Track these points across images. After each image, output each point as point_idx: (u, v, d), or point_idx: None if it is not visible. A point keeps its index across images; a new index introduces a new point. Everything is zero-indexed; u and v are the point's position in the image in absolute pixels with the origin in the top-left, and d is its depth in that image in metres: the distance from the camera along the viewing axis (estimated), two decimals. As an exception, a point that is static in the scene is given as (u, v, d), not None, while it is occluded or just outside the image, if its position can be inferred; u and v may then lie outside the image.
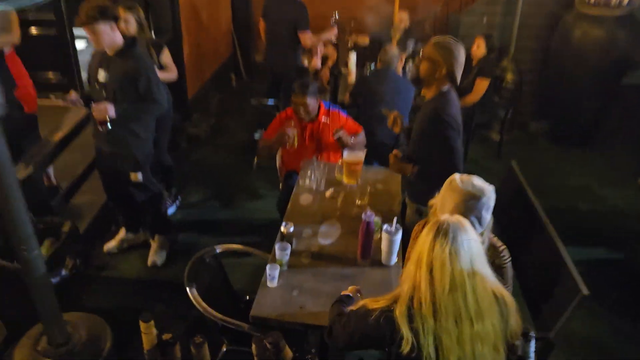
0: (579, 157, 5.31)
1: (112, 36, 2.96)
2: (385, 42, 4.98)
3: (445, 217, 1.54)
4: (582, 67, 5.11)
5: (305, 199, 3.06)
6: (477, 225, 1.87)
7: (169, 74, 3.87)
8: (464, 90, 4.91)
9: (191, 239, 3.90)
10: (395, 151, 2.84)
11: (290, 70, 4.81)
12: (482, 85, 4.83)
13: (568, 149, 5.45)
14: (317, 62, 5.34)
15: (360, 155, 3.13)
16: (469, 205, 1.86)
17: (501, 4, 5.51)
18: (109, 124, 3.01)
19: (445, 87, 2.63)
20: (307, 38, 4.64)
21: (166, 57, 3.85)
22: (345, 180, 3.18)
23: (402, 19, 5.28)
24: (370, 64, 4.94)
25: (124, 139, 3.21)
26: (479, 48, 4.88)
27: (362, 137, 3.67)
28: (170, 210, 4.18)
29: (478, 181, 1.93)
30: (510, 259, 2.07)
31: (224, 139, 5.54)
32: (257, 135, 5.16)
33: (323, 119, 3.57)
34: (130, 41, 3.08)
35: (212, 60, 6.18)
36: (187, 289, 2.33)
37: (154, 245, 3.67)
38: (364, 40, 5.41)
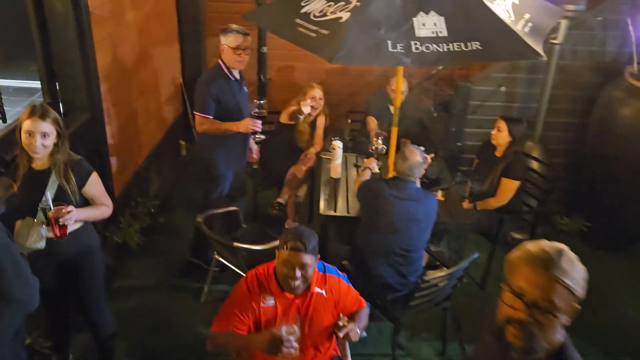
0: (628, 269, 4.15)
1: None
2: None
3: None
4: (632, 153, 3.97)
5: None
6: None
7: (99, 211, 2.53)
8: (489, 191, 3.73)
9: None
10: None
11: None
12: (510, 187, 3.66)
13: (611, 254, 4.28)
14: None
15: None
16: None
17: (524, 70, 4.33)
18: None
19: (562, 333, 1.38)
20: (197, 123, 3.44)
21: (94, 186, 2.52)
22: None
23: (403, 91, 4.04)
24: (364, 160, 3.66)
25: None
26: (500, 133, 3.71)
27: (365, 317, 2.38)
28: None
29: None
30: None
31: (164, 244, 4.15)
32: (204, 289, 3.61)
33: (316, 289, 2.25)
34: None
35: (152, 131, 4.79)
36: None
37: None
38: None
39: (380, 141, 3.61)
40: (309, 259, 2.10)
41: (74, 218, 2.30)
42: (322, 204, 3.46)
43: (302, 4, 2.95)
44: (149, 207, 4.39)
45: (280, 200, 4.17)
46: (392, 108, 4.16)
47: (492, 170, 3.72)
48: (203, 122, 3.39)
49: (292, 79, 5.67)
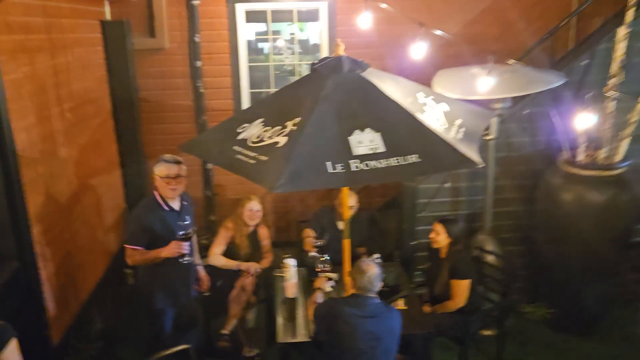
0: (600, 354, 4.06)
1: None
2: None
3: None
4: (578, 237, 4.02)
5: None
6: None
7: None
8: (442, 295, 3.64)
9: None
10: None
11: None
12: (462, 288, 3.58)
13: (580, 339, 4.21)
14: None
15: None
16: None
17: (465, 165, 4.44)
18: None
19: None
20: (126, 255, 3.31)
21: (11, 355, 2.19)
22: None
23: (351, 205, 4.01)
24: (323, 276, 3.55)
25: None
26: (439, 235, 3.69)
27: None
28: None
29: None
30: None
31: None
32: None
33: None
34: None
35: (95, 264, 4.52)
36: None
37: None
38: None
39: (318, 254, 3.57)
40: None
41: None
42: (279, 330, 3.25)
43: (239, 130, 2.93)
44: (92, 351, 4.03)
45: (224, 331, 3.91)
46: (340, 224, 4.14)
47: (440, 273, 3.66)
48: (131, 253, 3.27)
49: (239, 191, 5.61)
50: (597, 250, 4.01)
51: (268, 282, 4.09)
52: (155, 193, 3.30)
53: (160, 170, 3.22)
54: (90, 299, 4.28)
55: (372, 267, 2.89)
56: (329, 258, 3.53)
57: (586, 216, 3.96)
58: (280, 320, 3.35)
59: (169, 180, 3.21)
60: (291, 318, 3.37)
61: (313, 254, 3.68)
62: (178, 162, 3.25)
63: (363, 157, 2.54)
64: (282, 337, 3.18)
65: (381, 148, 2.58)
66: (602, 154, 3.99)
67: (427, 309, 3.66)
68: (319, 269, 3.57)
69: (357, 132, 2.63)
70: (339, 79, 2.85)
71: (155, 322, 3.40)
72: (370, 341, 2.79)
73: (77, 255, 4.11)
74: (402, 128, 2.68)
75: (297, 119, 2.71)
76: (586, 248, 4.01)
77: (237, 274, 4.02)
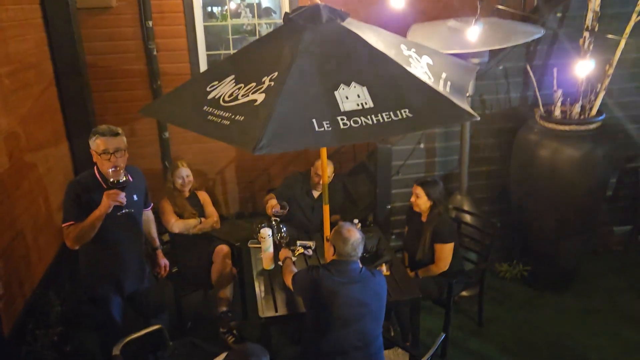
0: (577, 308, 4.10)
1: None
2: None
3: None
4: (554, 193, 3.99)
5: None
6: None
7: None
8: (424, 259, 3.54)
9: None
10: None
11: None
12: (445, 251, 3.49)
13: (557, 295, 4.23)
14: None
15: None
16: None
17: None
18: None
19: None
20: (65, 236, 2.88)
21: None
22: None
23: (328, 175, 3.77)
24: (298, 247, 3.37)
25: None
26: (419, 198, 3.56)
27: None
28: None
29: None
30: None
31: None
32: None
33: None
34: None
35: (46, 245, 4.15)
36: None
37: None
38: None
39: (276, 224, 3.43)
40: None
41: None
42: (259, 304, 3.04)
43: (208, 89, 2.65)
44: (51, 336, 3.70)
45: (224, 309, 3.69)
46: (315, 193, 3.94)
47: (422, 237, 3.55)
48: (68, 231, 2.81)
49: (200, 160, 5.29)
50: (572, 205, 3.99)
51: (238, 253, 3.87)
52: (95, 169, 2.87)
53: (96, 145, 2.75)
54: (44, 281, 3.93)
55: (355, 233, 2.70)
56: (284, 229, 3.42)
57: (562, 171, 3.91)
58: (259, 293, 3.14)
59: (109, 155, 2.75)
60: (270, 290, 3.17)
61: (274, 219, 3.48)
62: (116, 134, 2.78)
63: (351, 113, 2.33)
64: (264, 311, 2.97)
65: (370, 103, 2.38)
66: (577, 108, 3.94)
67: (410, 273, 3.55)
68: (278, 241, 3.41)
69: (342, 86, 2.41)
70: (318, 29, 2.60)
71: (99, 311, 3.08)
72: (357, 308, 2.62)
73: (25, 237, 3.74)
74: (390, 81, 2.47)
75: (275, 74, 2.46)
76: (562, 203, 3.99)
77: (208, 248, 3.78)
